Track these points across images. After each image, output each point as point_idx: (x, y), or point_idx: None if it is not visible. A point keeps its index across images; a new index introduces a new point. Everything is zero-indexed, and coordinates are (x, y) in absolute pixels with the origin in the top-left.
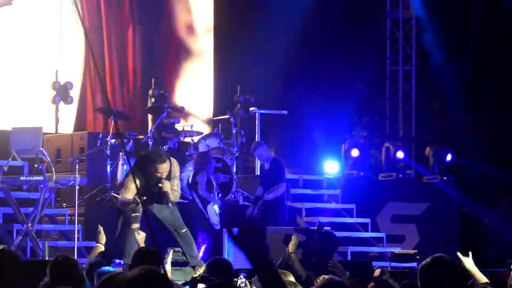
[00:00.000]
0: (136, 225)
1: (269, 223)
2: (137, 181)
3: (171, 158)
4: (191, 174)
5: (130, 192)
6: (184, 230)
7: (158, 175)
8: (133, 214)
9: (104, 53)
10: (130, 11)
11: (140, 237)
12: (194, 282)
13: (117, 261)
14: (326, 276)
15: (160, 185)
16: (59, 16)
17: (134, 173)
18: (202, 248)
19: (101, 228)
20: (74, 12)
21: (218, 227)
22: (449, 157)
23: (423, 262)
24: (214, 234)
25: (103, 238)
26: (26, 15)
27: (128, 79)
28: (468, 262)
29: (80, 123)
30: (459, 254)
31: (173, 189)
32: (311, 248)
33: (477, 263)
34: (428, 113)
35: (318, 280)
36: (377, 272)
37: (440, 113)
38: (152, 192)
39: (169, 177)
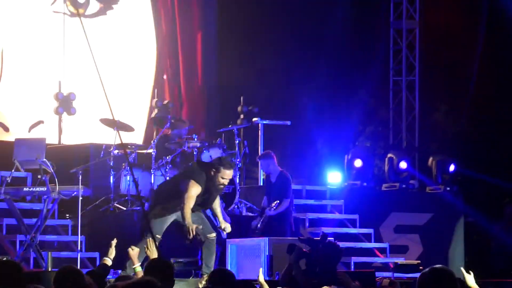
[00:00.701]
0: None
1: (275, 234)
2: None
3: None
4: None
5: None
6: (214, 235)
7: (222, 180)
8: (158, 236)
9: (178, 58)
10: (199, 19)
11: (134, 252)
12: None
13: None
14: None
15: (222, 228)
16: (62, 26)
17: (199, 180)
18: None
19: (113, 242)
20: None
21: (225, 234)
22: (452, 167)
23: (422, 273)
24: (220, 241)
25: (112, 252)
26: (30, 26)
27: (197, 84)
28: (470, 279)
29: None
30: (462, 269)
31: None
32: (315, 258)
33: (482, 274)
34: (431, 123)
35: None
36: (385, 282)
37: (444, 124)
38: (204, 201)
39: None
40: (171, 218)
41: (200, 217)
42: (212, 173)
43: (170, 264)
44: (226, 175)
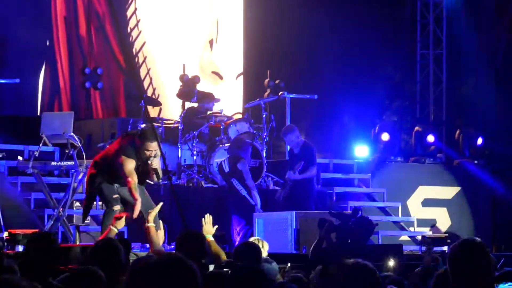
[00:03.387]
0: (117, 207)
1: (300, 208)
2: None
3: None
4: (225, 159)
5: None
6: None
7: (148, 153)
8: (114, 196)
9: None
10: None
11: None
12: (219, 267)
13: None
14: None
15: (149, 162)
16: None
17: (129, 154)
18: (241, 234)
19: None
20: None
21: (262, 211)
22: (480, 140)
23: (452, 246)
24: (251, 220)
25: (122, 223)
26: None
27: None
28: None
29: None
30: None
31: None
32: (346, 232)
33: (509, 247)
34: (459, 97)
35: None
36: (427, 261)
37: (472, 97)
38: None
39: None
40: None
41: (147, 198)
42: (138, 146)
43: (202, 235)
44: (150, 147)
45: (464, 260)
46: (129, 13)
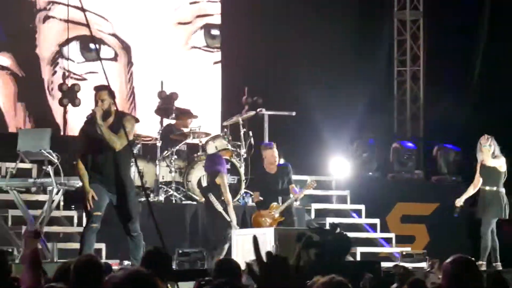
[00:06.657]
0: (95, 225)
1: (287, 224)
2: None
3: (130, 117)
4: (203, 175)
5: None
6: (136, 234)
7: (100, 103)
8: (95, 213)
9: None
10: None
11: None
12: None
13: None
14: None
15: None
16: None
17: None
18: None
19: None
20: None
21: (238, 228)
22: (457, 157)
23: (445, 263)
24: (230, 236)
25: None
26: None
27: None
28: None
29: None
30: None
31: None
32: (324, 248)
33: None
34: (436, 113)
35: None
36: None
37: (449, 113)
38: (101, 163)
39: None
40: (103, 191)
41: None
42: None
43: (168, 255)
44: (100, 96)
45: (458, 276)
46: None
